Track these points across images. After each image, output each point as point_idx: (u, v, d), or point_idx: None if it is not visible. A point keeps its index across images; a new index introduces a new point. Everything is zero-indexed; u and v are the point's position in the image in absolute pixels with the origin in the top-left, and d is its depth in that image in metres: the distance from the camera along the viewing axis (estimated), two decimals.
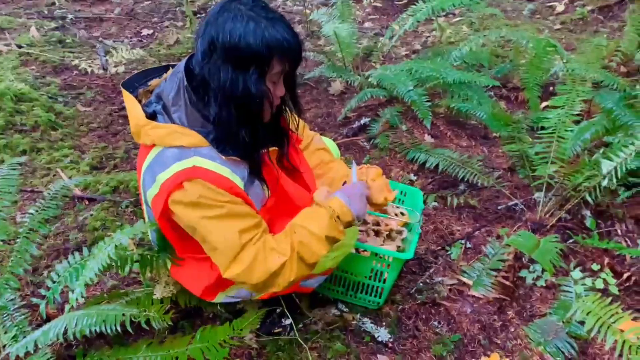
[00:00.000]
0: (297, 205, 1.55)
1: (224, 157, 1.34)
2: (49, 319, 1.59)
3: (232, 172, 1.35)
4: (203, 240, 1.39)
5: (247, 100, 1.27)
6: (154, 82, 1.47)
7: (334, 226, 1.47)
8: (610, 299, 1.55)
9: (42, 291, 1.63)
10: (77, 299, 1.46)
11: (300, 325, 1.80)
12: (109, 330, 1.29)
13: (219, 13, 1.25)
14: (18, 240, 1.75)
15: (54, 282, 1.61)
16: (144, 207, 1.54)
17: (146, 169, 1.39)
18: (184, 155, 1.31)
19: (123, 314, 1.30)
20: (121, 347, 1.55)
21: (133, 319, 1.32)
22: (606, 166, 1.92)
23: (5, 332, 1.52)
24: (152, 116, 1.37)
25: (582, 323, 1.68)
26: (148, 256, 1.54)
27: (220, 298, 1.60)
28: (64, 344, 1.60)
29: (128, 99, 1.40)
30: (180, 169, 1.30)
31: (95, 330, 1.29)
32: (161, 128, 1.34)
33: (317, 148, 1.81)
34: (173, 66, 1.47)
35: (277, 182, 1.49)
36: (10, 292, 1.65)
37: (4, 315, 1.59)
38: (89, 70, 3.55)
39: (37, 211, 1.84)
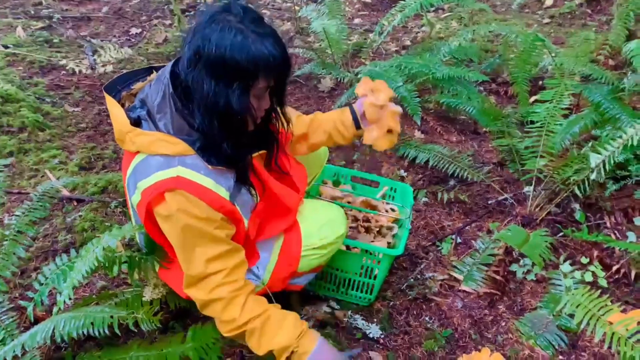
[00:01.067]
0: (287, 206, 1.55)
1: (209, 167, 1.32)
2: (37, 321, 1.58)
3: (215, 184, 1.32)
4: (177, 251, 1.39)
5: (229, 114, 1.25)
6: (137, 85, 1.45)
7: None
8: (599, 291, 1.56)
9: (30, 294, 1.61)
10: (64, 302, 1.46)
11: None
12: (96, 333, 1.27)
13: (208, 22, 1.22)
14: (5, 242, 1.73)
15: (41, 284, 1.60)
16: (130, 210, 1.53)
17: (130, 176, 1.37)
18: (168, 164, 1.29)
19: (111, 316, 1.29)
20: (112, 347, 1.54)
21: (121, 321, 1.30)
22: (594, 159, 1.93)
23: None
24: (136, 122, 1.35)
25: (571, 316, 1.70)
26: (136, 258, 1.53)
27: None
28: (53, 346, 1.59)
29: (111, 104, 1.38)
30: (162, 178, 1.28)
31: (83, 332, 1.28)
32: (146, 135, 1.32)
33: (309, 119, 1.77)
34: (157, 69, 1.45)
35: (266, 186, 1.48)
36: None
37: None
38: (76, 70, 3.52)
39: (24, 213, 1.82)
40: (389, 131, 1.65)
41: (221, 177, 1.34)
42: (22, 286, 1.90)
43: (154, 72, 1.45)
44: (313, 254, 1.57)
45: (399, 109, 1.64)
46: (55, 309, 1.50)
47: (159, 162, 1.30)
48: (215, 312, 1.41)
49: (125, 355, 1.49)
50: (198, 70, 1.22)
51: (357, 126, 1.67)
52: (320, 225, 1.59)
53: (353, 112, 1.67)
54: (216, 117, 1.25)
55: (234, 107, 1.24)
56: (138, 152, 1.34)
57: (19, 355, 1.32)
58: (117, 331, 1.30)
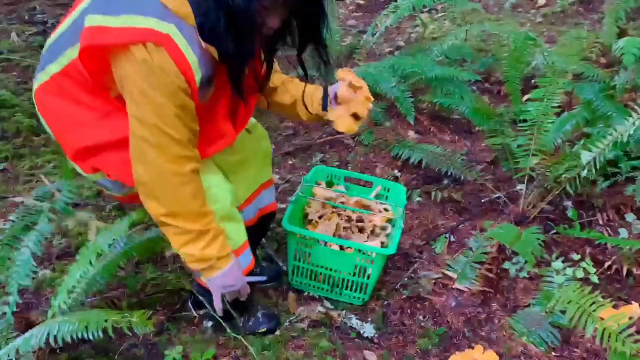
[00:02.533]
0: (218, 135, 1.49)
1: (203, 45, 1.27)
2: (32, 325, 1.59)
3: (197, 67, 1.27)
4: (132, 104, 1.30)
5: (232, 9, 1.21)
6: None
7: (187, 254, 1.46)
8: (590, 287, 1.58)
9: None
10: (59, 306, 1.47)
11: (286, 324, 1.81)
12: (90, 337, 1.28)
13: None
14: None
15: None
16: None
17: (112, 2, 1.27)
18: (165, 16, 1.23)
19: (105, 320, 1.29)
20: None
21: (115, 325, 1.31)
22: (585, 157, 1.94)
23: None
24: None
25: (563, 312, 1.70)
26: None
27: (86, 169, 1.52)
28: (47, 349, 1.59)
29: None
30: (155, 27, 1.22)
31: (77, 336, 1.29)
32: None
33: (284, 78, 1.72)
34: None
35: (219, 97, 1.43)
36: None
37: None
38: None
39: (18, 218, 1.83)
40: (356, 116, 1.63)
41: (204, 62, 1.29)
42: (17, 291, 1.91)
43: None
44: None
45: (371, 98, 1.63)
46: (50, 313, 1.52)
47: (157, 9, 1.24)
48: (175, 179, 1.35)
49: None
50: None
51: (324, 107, 1.64)
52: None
53: (325, 92, 1.64)
54: (222, 6, 1.22)
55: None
56: None
57: (13, 359, 1.33)
58: (111, 334, 1.30)
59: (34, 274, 1.93)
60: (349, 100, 1.62)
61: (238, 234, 1.57)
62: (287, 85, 1.69)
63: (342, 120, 1.63)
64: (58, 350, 1.59)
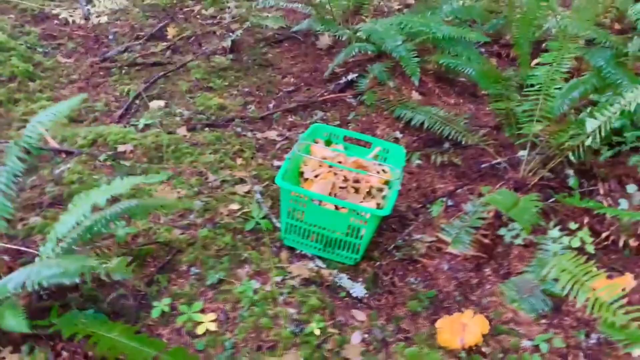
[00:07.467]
0: None
1: None
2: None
3: None
4: None
5: None
6: None
7: None
8: (585, 257, 1.56)
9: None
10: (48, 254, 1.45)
11: (278, 279, 1.80)
12: (67, 283, 1.26)
13: None
14: None
15: None
16: None
17: None
18: None
19: (83, 266, 1.26)
20: (96, 320, 1.51)
21: (93, 271, 1.28)
22: (590, 125, 1.89)
23: None
24: None
25: (556, 281, 1.69)
26: None
27: None
28: (35, 295, 1.58)
29: None
30: None
31: (55, 282, 1.26)
32: None
33: None
34: None
35: None
36: None
37: None
38: (70, 20, 3.44)
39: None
40: None
41: None
42: (8, 236, 1.89)
43: None
44: None
45: None
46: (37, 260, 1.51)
47: None
48: None
49: (108, 333, 1.45)
50: None
51: None
52: None
53: None
54: None
55: None
56: None
57: None
58: (88, 282, 1.27)
59: (21, 221, 1.94)
60: None
61: None
62: None
63: None
64: (45, 297, 1.58)
